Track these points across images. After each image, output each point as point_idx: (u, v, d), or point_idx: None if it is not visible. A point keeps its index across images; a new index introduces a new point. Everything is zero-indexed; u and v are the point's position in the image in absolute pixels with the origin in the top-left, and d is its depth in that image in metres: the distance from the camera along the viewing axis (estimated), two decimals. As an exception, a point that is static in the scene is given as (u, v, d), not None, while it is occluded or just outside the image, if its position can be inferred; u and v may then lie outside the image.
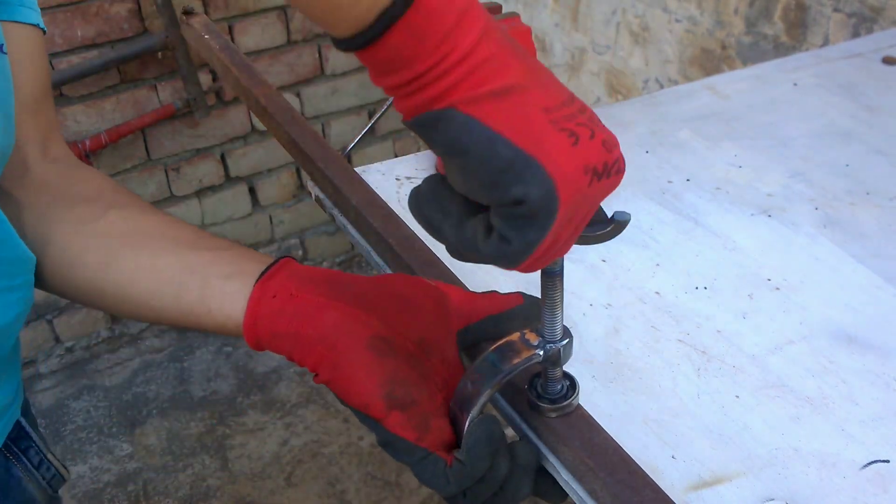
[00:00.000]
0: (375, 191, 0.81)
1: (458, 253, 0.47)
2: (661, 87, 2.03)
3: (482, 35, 0.41)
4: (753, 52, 1.76)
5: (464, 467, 0.52)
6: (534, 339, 0.54)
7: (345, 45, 0.42)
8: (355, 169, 0.86)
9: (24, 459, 0.70)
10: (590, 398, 0.62)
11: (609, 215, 0.49)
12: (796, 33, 1.65)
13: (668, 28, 1.96)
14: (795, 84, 1.06)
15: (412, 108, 0.43)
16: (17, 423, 0.69)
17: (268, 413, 2.21)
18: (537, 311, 0.60)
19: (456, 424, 0.54)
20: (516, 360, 0.53)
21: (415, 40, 0.40)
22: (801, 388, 0.64)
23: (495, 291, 0.61)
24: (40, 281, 0.66)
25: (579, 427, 0.56)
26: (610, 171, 0.44)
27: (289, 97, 2.44)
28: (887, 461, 0.58)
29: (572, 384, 0.58)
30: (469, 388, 0.53)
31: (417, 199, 0.47)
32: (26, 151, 0.66)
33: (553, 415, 0.56)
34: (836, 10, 1.56)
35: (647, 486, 0.52)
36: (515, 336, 0.55)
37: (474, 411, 0.53)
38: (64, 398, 2.21)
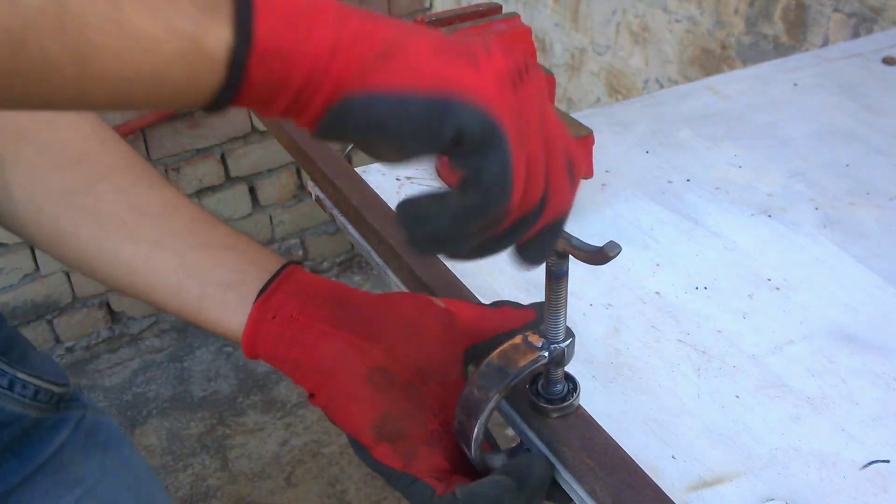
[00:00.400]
0: (375, 191, 0.81)
1: (467, 242, 0.44)
2: (661, 87, 2.03)
3: (338, 18, 0.39)
4: (753, 52, 1.76)
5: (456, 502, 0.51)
6: (537, 340, 0.54)
7: (205, 111, 0.39)
8: (355, 169, 0.86)
9: None
10: (590, 398, 0.62)
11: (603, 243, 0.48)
12: (796, 33, 1.65)
13: (668, 28, 1.96)
14: (795, 84, 1.06)
15: (312, 118, 0.40)
16: None
17: (268, 413, 2.21)
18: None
19: (463, 433, 0.54)
20: (522, 363, 0.53)
21: (269, 89, 0.38)
22: (801, 388, 0.64)
23: (508, 305, 0.61)
24: (41, 247, 0.64)
25: (579, 427, 0.56)
26: (523, 74, 0.42)
27: (289, 97, 2.44)
28: (887, 461, 0.58)
29: (574, 385, 0.58)
30: (476, 395, 0.53)
31: (410, 245, 0.44)
32: None
33: (554, 415, 0.56)
34: (836, 10, 1.56)
35: (647, 486, 0.53)
36: (518, 339, 0.54)
37: (483, 417, 0.52)
38: (64, 398, 2.21)
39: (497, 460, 0.59)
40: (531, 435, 0.58)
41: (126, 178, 0.62)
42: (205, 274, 0.57)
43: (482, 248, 0.45)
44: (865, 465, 0.58)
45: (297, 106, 0.40)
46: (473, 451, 0.53)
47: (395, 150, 0.41)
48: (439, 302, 0.58)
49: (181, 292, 0.58)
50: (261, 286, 0.56)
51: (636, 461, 0.54)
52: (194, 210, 0.62)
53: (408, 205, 0.43)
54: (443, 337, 0.56)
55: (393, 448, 0.53)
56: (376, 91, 0.39)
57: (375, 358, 0.54)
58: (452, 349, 0.57)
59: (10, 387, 0.71)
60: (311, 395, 0.54)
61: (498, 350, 0.54)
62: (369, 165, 0.90)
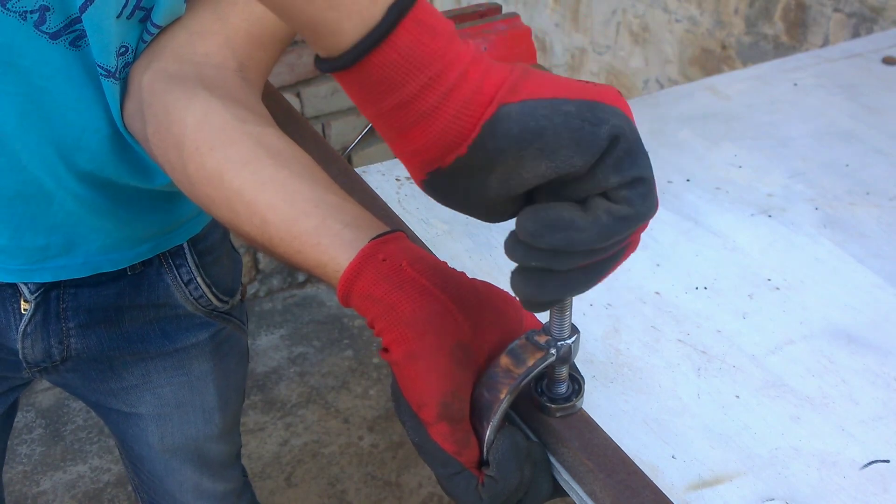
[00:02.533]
0: (375, 191, 0.81)
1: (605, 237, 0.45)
2: (661, 87, 2.03)
3: (475, 51, 0.43)
4: (753, 52, 1.76)
5: (496, 484, 0.52)
6: (542, 339, 0.54)
7: (343, 59, 0.42)
8: (355, 169, 0.86)
9: (175, 272, 0.89)
10: (590, 398, 0.62)
11: None
12: (796, 33, 1.66)
13: (668, 28, 1.96)
14: (795, 84, 1.06)
15: (445, 131, 0.42)
16: (181, 246, 0.89)
17: (268, 413, 2.21)
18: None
19: (475, 435, 0.53)
20: (532, 362, 0.53)
21: (424, 41, 0.41)
22: (801, 388, 0.64)
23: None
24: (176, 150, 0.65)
25: (579, 428, 0.56)
26: None
27: (289, 97, 2.45)
28: (887, 461, 0.58)
29: (578, 386, 0.58)
30: (486, 397, 0.53)
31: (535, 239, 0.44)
32: (225, 60, 0.67)
33: (558, 414, 0.56)
34: (836, 10, 1.56)
35: (647, 487, 0.53)
36: (523, 339, 0.54)
37: (495, 420, 0.52)
38: (64, 398, 2.21)
39: None
40: (531, 435, 0.58)
41: (288, 139, 0.64)
42: (329, 209, 0.58)
43: (579, 277, 0.46)
44: (865, 465, 0.58)
45: (429, 98, 0.42)
46: (485, 454, 0.53)
47: (547, 161, 0.42)
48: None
49: (301, 219, 0.58)
50: (376, 234, 0.56)
51: (636, 461, 0.54)
52: (329, 178, 0.64)
53: (542, 211, 0.43)
54: (516, 332, 0.56)
55: (451, 430, 0.52)
56: (528, 97, 0.41)
57: (465, 333, 0.53)
58: None
59: (187, 283, 0.91)
60: (385, 350, 0.53)
61: (506, 350, 0.54)
62: (369, 166, 0.90)
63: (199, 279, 0.91)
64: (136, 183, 0.77)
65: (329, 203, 0.58)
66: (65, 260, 0.81)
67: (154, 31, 0.67)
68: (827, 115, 0.99)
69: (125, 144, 0.73)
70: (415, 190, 0.86)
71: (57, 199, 0.75)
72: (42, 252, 0.80)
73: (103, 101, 0.70)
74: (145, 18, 0.67)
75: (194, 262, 0.91)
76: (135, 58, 0.69)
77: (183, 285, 0.90)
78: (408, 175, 0.88)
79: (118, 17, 0.65)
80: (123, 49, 0.67)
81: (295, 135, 0.89)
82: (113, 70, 0.67)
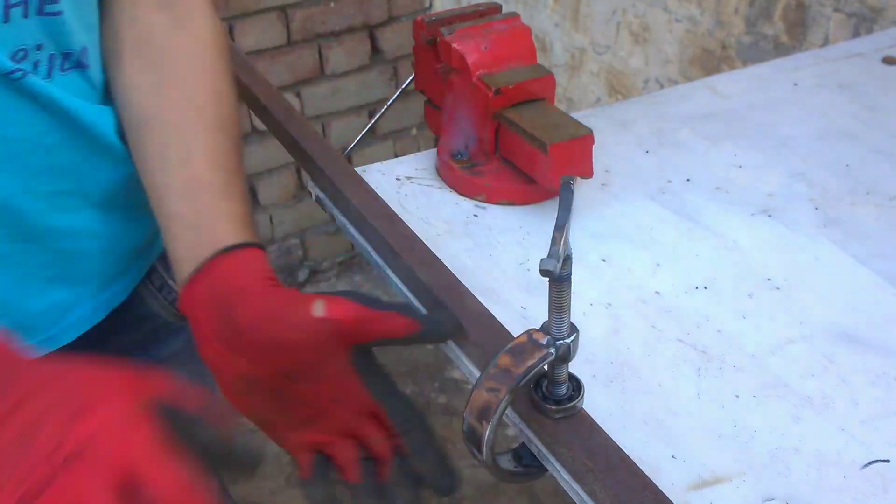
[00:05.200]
0: (375, 191, 0.81)
1: None
2: (661, 87, 2.03)
3: None
4: (753, 52, 1.76)
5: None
6: (542, 337, 0.54)
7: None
8: (355, 169, 0.86)
9: (147, 281, 0.88)
10: (590, 398, 0.62)
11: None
12: (796, 33, 1.65)
13: (668, 28, 1.96)
14: (795, 84, 1.06)
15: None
16: None
17: (268, 413, 2.21)
18: (439, 334, 0.63)
19: (474, 436, 0.53)
20: (530, 362, 0.53)
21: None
22: (802, 388, 0.64)
23: (407, 307, 0.65)
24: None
25: (579, 428, 0.56)
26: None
27: (289, 97, 2.44)
28: (888, 461, 0.58)
29: (578, 386, 0.58)
30: (485, 397, 0.53)
31: None
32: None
33: (557, 415, 0.56)
34: (836, 10, 1.56)
35: (647, 487, 0.53)
36: (523, 337, 0.54)
37: (495, 419, 0.52)
38: (64, 398, 2.20)
39: (505, 461, 0.59)
40: (531, 435, 0.58)
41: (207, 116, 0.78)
42: (194, 215, 0.69)
43: None
44: (865, 465, 0.58)
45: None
46: (485, 454, 0.53)
47: None
48: (318, 305, 0.61)
49: (167, 201, 0.71)
50: (194, 269, 0.65)
51: (636, 461, 0.54)
52: (231, 144, 0.81)
53: None
54: (310, 345, 0.61)
55: (268, 434, 0.66)
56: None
57: (240, 368, 0.62)
58: (325, 350, 0.61)
59: (160, 289, 0.89)
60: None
61: (504, 349, 0.54)
62: (369, 165, 0.90)
63: (170, 281, 0.90)
64: (104, 170, 0.76)
65: (195, 196, 0.71)
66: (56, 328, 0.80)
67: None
68: (827, 115, 0.99)
69: (78, 130, 0.72)
70: (415, 190, 0.86)
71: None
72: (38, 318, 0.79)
73: (30, 106, 0.67)
74: (41, 10, 0.65)
75: (163, 266, 0.89)
76: (49, 54, 0.67)
77: (157, 292, 0.89)
78: (408, 175, 0.88)
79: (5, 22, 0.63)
80: (22, 53, 0.65)
81: (295, 135, 0.89)
82: (10, 70, 0.65)
